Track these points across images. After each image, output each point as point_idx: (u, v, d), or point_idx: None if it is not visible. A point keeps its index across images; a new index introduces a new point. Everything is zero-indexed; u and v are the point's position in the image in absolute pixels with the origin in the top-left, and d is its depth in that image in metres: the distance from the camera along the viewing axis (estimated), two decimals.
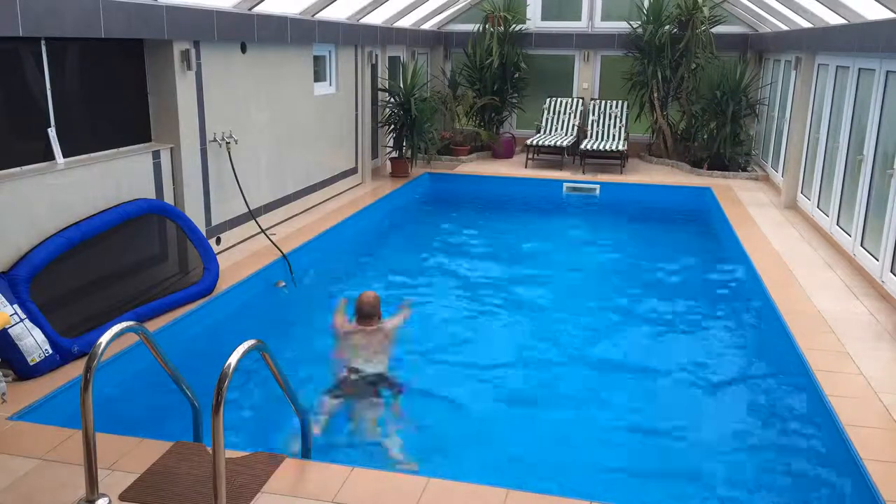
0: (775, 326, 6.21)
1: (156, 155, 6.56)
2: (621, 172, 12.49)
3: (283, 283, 7.22)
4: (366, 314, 5.65)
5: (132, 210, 5.98)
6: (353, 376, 5.17)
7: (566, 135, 13.61)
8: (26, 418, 4.27)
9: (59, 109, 5.64)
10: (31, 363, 4.68)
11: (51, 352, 4.79)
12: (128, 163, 6.20)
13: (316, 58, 9.73)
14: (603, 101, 13.89)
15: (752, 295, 7.21)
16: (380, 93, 12.26)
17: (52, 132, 5.58)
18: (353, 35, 10.32)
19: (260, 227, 8.01)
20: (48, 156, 5.59)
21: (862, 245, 7.42)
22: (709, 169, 12.56)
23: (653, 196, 11.64)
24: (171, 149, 6.76)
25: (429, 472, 3.79)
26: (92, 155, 5.99)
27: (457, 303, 7.18)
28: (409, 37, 12.79)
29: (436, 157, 12.98)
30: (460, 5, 14.06)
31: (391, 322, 5.80)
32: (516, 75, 14.18)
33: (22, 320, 4.72)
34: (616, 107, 13.74)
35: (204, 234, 7.10)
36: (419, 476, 3.71)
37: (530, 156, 13.31)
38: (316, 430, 4.49)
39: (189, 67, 6.75)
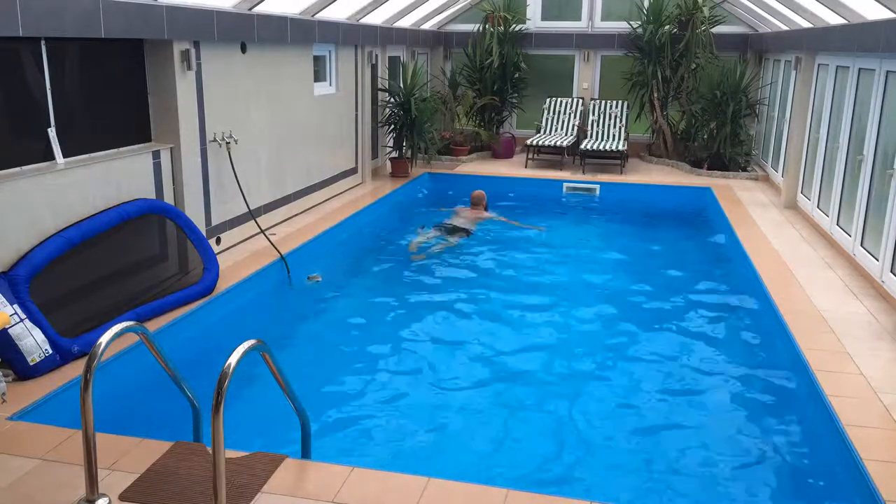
0: (775, 326, 6.21)
1: (156, 155, 6.57)
2: (621, 172, 12.49)
3: (319, 277, 7.29)
4: (474, 202, 10.10)
5: (132, 210, 5.98)
6: (450, 225, 9.38)
7: (566, 135, 13.61)
8: (26, 418, 4.27)
9: (59, 109, 5.65)
10: (31, 363, 4.68)
11: (51, 352, 4.80)
12: (128, 163, 6.20)
13: (316, 58, 9.73)
14: (603, 101, 13.90)
15: (753, 295, 7.21)
16: (380, 93, 12.27)
17: (52, 132, 5.58)
18: (353, 35, 10.32)
19: (259, 227, 8.01)
20: (48, 156, 5.59)
21: (862, 245, 7.43)
22: (709, 169, 12.56)
23: (653, 196, 11.64)
24: (171, 149, 6.76)
25: (428, 472, 3.79)
26: (92, 155, 6.00)
27: (455, 303, 7.18)
28: (409, 37, 12.79)
29: (436, 157, 12.98)
30: (460, 5, 14.06)
31: (493, 214, 9.96)
32: (516, 75, 14.18)
33: (22, 320, 4.72)
34: (616, 107, 13.74)
35: (204, 234, 7.10)
36: (419, 476, 3.71)
37: (530, 156, 13.31)
38: (419, 256, 8.32)
39: (189, 67, 6.75)
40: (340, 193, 10.64)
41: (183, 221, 6.46)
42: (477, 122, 14.31)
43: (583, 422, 4.98)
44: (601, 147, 12.64)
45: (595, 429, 4.91)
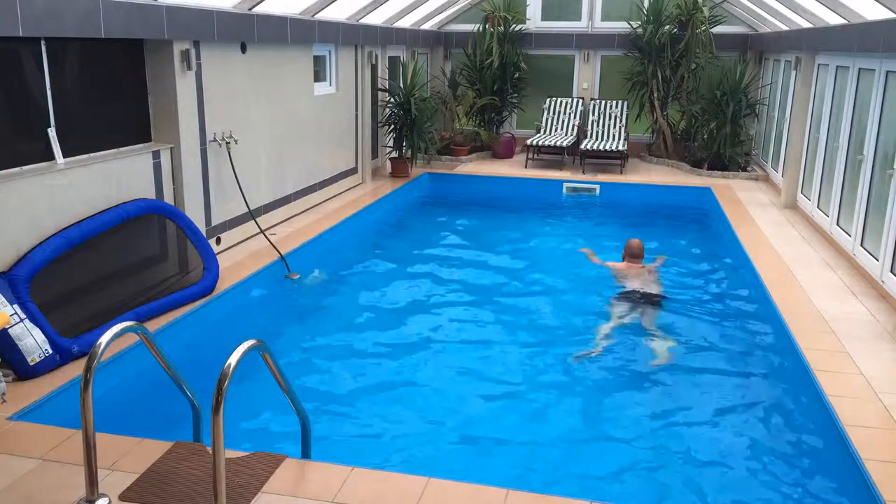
0: (775, 326, 6.21)
1: (156, 155, 6.57)
2: (621, 172, 12.49)
3: (297, 276, 7.38)
4: (635, 255, 7.77)
5: (132, 210, 5.98)
6: (637, 292, 7.17)
7: (566, 135, 13.61)
8: (26, 418, 4.27)
9: (59, 109, 5.65)
10: (31, 363, 4.68)
11: (51, 352, 4.80)
12: (128, 163, 6.20)
13: (316, 58, 9.74)
14: (603, 101, 13.90)
15: (753, 295, 7.21)
16: (380, 93, 12.27)
17: (52, 132, 5.58)
18: (353, 35, 10.32)
19: (259, 227, 8.01)
20: (48, 156, 5.59)
21: (862, 245, 7.42)
22: (709, 169, 12.56)
23: (653, 196, 11.64)
24: (171, 149, 6.76)
25: (429, 471, 3.79)
26: (92, 155, 6.00)
27: (456, 304, 7.18)
28: (409, 37, 12.79)
29: (436, 157, 12.98)
30: (460, 5, 14.06)
31: (652, 265, 7.98)
32: (516, 75, 14.18)
33: (22, 320, 4.72)
34: (616, 107, 13.74)
35: (204, 234, 7.10)
36: (419, 476, 3.71)
37: (530, 156, 13.32)
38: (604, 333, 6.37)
39: (189, 67, 6.75)
40: (340, 193, 10.64)
41: (183, 221, 6.46)
42: (477, 122, 14.31)
43: (581, 420, 4.98)
44: (601, 147, 12.64)
45: (593, 429, 4.91)
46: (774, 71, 12.41)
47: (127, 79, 6.45)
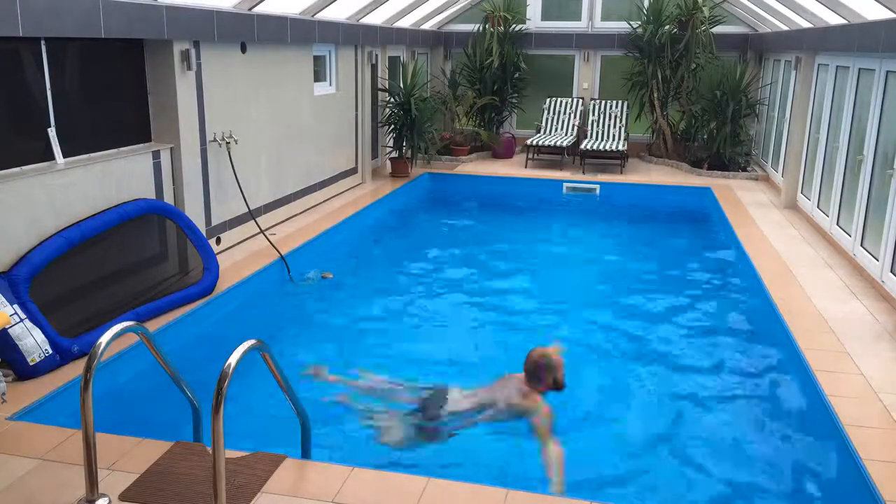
0: (775, 326, 6.21)
1: (156, 155, 6.56)
2: (621, 172, 12.49)
3: (331, 275, 7.44)
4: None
5: (132, 210, 5.98)
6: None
7: (566, 135, 13.61)
8: (26, 418, 4.27)
9: (59, 109, 5.65)
10: (31, 363, 4.67)
11: (51, 352, 4.80)
12: (128, 163, 6.20)
13: (316, 58, 9.73)
14: (603, 101, 13.90)
15: (753, 295, 7.21)
16: (380, 93, 12.26)
17: (52, 132, 5.58)
18: (353, 35, 10.32)
19: (259, 227, 8.01)
20: (48, 156, 5.59)
21: (862, 245, 7.42)
22: (709, 169, 12.56)
23: (653, 196, 11.64)
24: (171, 149, 6.76)
25: (429, 472, 3.79)
26: (92, 155, 6.00)
27: (457, 304, 7.18)
28: (409, 37, 12.79)
29: (436, 157, 12.98)
30: (460, 5, 14.06)
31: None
32: (516, 75, 14.18)
33: (22, 320, 4.72)
34: (616, 107, 13.74)
35: (204, 234, 7.10)
36: (419, 476, 3.71)
37: (530, 156, 13.32)
38: None
39: (189, 67, 6.75)
40: (340, 193, 10.64)
41: (183, 221, 6.46)
42: (477, 122, 14.31)
43: (581, 426, 4.99)
44: (601, 147, 12.64)
45: (595, 430, 4.91)
46: (774, 71, 12.40)
47: (127, 79, 6.44)
